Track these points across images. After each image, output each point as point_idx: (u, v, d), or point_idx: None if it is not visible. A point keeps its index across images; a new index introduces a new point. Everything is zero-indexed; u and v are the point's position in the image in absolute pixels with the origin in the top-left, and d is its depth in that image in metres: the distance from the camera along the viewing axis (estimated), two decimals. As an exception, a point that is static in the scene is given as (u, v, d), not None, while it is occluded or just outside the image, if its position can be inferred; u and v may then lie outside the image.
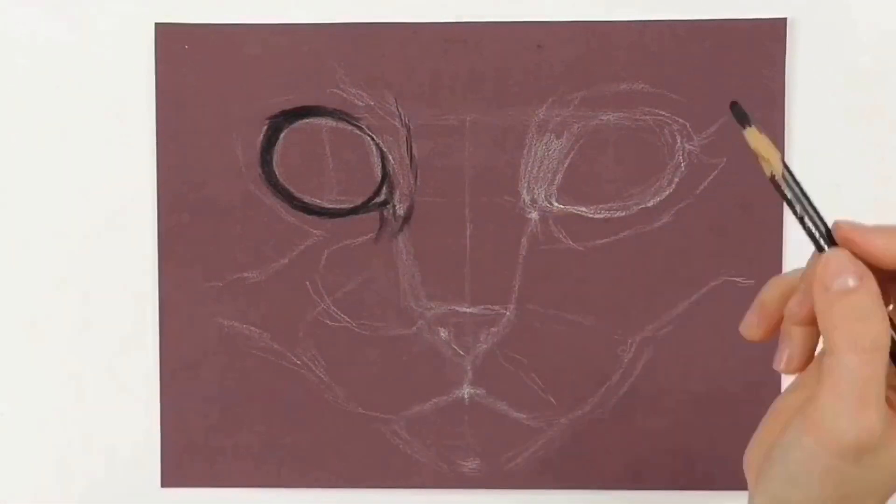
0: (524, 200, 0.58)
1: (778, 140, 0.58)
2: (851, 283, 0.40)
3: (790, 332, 0.43)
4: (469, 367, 0.58)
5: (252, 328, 0.59)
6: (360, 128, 0.58)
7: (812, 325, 0.41)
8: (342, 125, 0.58)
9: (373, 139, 0.58)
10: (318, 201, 0.58)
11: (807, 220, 0.41)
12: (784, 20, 0.57)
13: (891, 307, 0.42)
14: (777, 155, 0.43)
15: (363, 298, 0.58)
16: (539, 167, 0.58)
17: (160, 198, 0.58)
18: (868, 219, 0.59)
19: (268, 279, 0.58)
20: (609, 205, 0.58)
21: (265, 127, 0.58)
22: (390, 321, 0.58)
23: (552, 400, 0.58)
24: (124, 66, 0.58)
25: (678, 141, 0.58)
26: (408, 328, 0.58)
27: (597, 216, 0.58)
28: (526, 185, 0.58)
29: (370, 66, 0.58)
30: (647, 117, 0.58)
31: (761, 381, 0.58)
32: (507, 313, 0.57)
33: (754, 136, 0.44)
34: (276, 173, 0.58)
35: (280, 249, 0.58)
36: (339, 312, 0.58)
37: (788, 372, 0.44)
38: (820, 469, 0.42)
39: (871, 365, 0.39)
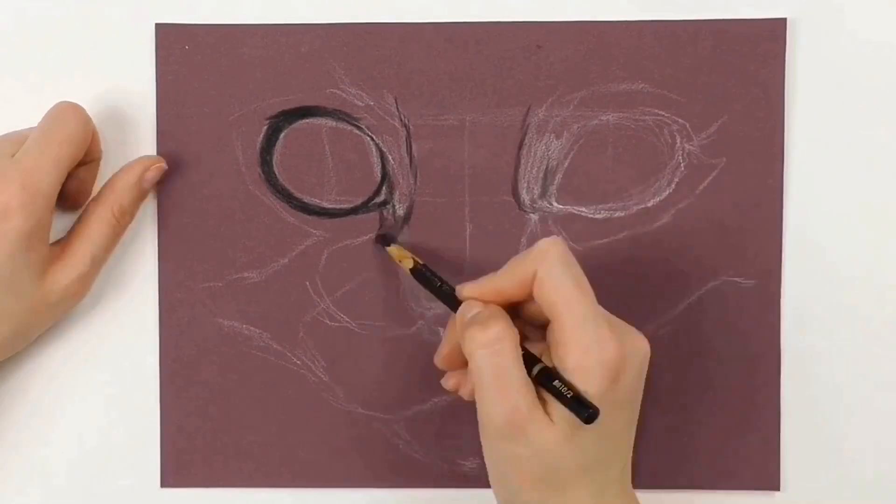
0: (524, 200, 0.58)
1: (778, 140, 0.58)
2: (476, 309, 0.50)
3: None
4: (469, 367, 0.57)
5: (252, 328, 0.59)
6: (359, 128, 0.58)
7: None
8: (342, 125, 0.58)
9: (373, 139, 0.58)
10: (318, 201, 0.58)
11: (444, 295, 0.53)
12: (784, 20, 0.57)
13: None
14: (410, 257, 0.55)
15: (363, 298, 0.58)
16: (539, 167, 0.58)
17: (160, 198, 0.58)
18: (868, 218, 0.59)
19: (268, 279, 0.58)
20: (609, 205, 0.58)
21: (265, 127, 0.58)
22: (390, 321, 0.58)
23: (552, 400, 0.58)
24: (124, 66, 0.58)
25: (678, 141, 0.58)
26: (408, 328, 0.58)
27: (596, 216, 0.58)
28: (526, 185, 0.58)
29: (370, 66, 0.58)
30: (647, 117, 0.58)
31: (761, 381, 0.58)
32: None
33: (393, 251, 0.56)
34: (276, 173, 0.58)
35: (280, 249, 0.58)
36: (339, 312, 0.58)
37: (441, 366, 0.53)
38: (496, 455, 0.50)
39: (498, 355, 0.48)
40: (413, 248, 0.57)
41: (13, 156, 0.53)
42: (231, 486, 0.59)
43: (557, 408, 0.48)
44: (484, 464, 0.57)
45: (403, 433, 0.59)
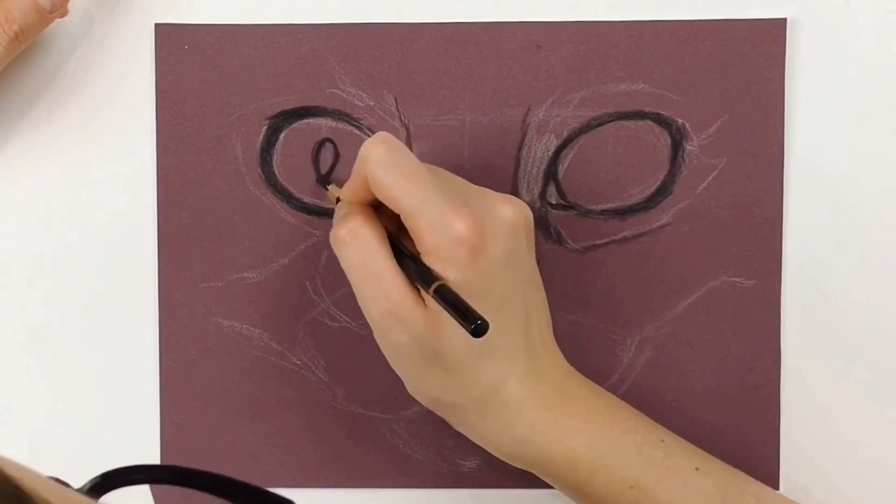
0: (524, 200, 0.58)
1: (777, 140, 0.58)
2: (342, 210, 0.52)
3: None
4: (469, 367, 0.57)
5: (252, 328, 0.59)
6: (359, 128, 0.58)
7: None
8: (342, 125, 0.58)
9: (373, 139, 0.58)
10: (318, 201, 0.58)
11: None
12: (784, 20, 0.57)
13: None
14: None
15: (363, 298, 0.58)
16: (539, 167, 0.58)
17: (160, 198, 0.58)
18: (869, 218, 0.59)
19: (268, 279, 0.58)
20: (609, 205, 0.58)
21: (265, 127, 0.58)
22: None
23: (552, 400, 0.58)
24: (124, 66, 0.58)
25: (678, 141, 0.58)
26: None
27: (596, 216, 0.58)
28: (526, 185, 0.58)
29: (370, 66, 0.58)
30: (647, 117, 0.58)
31: (761, 381, 0.58)
32: (507, 313, 0.57)
33: (333, 191, 0.56)
34: (276, 173, 0.58)
35: (280, 249, 0.58)
36: (339, 312, 0.58)
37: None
38: (383, 345, 0.52)
39: (358, 249, 0.49)
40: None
41: None
42: (231, 486, 0.59)
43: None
44: (484, 464, 0.57)
45: (403, 433, 0.59)
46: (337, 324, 0.59)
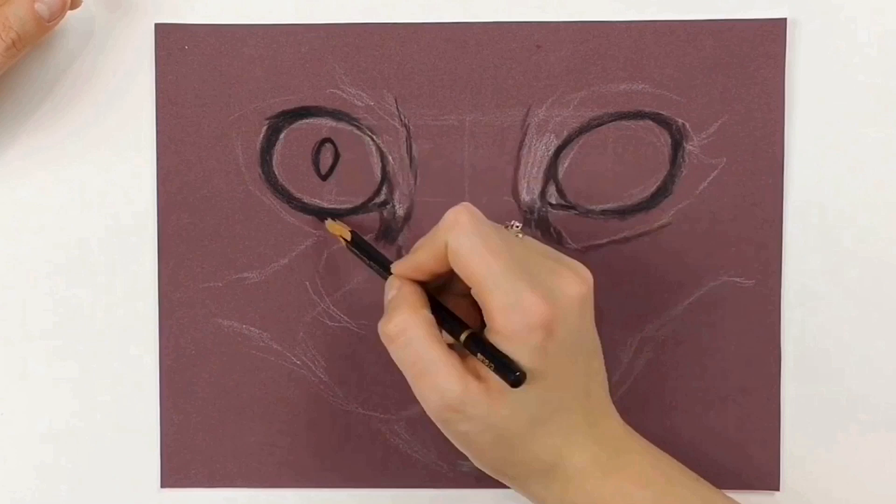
0: (524, 201, 0.58)
1: (778, 140, 0.58)
2: (391, 292, 0.51)
3: None
4: (469, 367, 0.57)
5: (252, 328, 0.59)
6: (360, 128, 0.58)
7: None
8: (342, 125, 0.58)
9: (373, 139, 0.58)
10: (318, 201, 0.58)
11: (374, 266, 0.54)
12: (784, 20, 0.57)
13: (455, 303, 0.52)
14: (347, 230, 0.56)
15: (363, 298, 0.58)
16: (539, 167, 0.58)
17: (160, 198, 0.58)
18: (869, 218, 0.59)
19: (268, 279, 0.58)
20: (609, 205, 0.58)
21: (265, 127, 0.58)
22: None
23: (552, 400, 0.58)
24: (124, 66, 0.58)
25: (678, 141, 0.58)
26: None
27: (596, 217, 0.58)
28: (526, 185, 0.58)
29: (370, 66, 0.58)
30: (647, 117, 0.58)
31: (761, 381, 0.58)
32: (507, 313, 0.57)
33: (331, 226, 0.56)
34: (276, 173, 0.58)
35: (280, 249, 0.58)
36: (339, 312, 0.58)
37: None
38: (448, 434, 0.51)
39: (407, 346, 0.49)
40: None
41: None
42: (231, 486, 0.59)
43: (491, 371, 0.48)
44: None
45: (403, 433, 0.59)
46: (337, 324, 0.59)
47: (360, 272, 0.58)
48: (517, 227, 0.52)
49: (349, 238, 0.55)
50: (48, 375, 0.59)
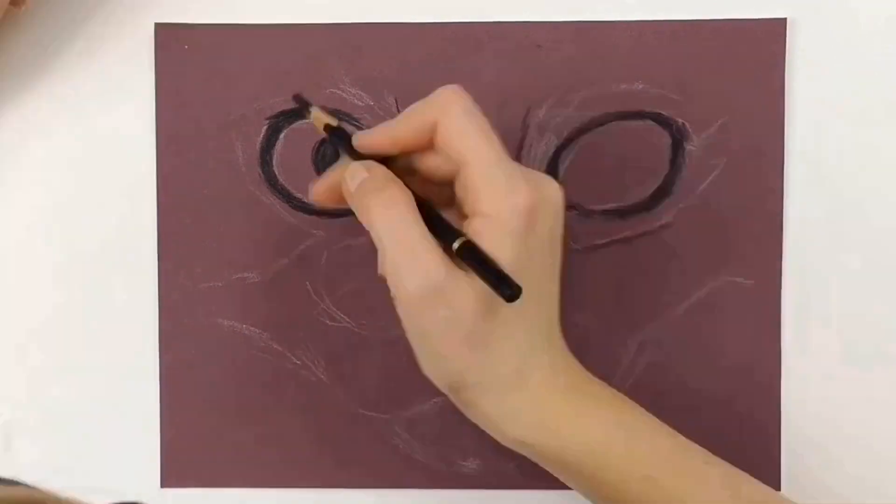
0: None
1: (778, 140, 0.58)
2: (361, 174, 0.49)
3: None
4: (469, 367, 0.57)
5: (252, 328, 0.59)
6: (360, 128, 0.58)
7: None
8: (342, 125, 0.58)
9: (373, 139, 0.58)
10: (318, 201, 0.58)
11: (342, 146, 0.51)
12: (784, 20, 0.57)
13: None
14: (333, 118, 0.53)
15: (363, 298, 0.58)
16: (539, 167, 0.58)
17: (160, 198, 0.58)
18: (869, 218, 0.59)
19: (268, 279, 0.58)
20: (609, 205, 0.58)
21: (265, 127, 0.58)
22: (390, 321, 0.58)
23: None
24: (124, 66, 0.58)
25: (678, 141, 0.58)
26: None
27: (597, 216, 0.58)
28: (526, 185, 0.58)
29: (370, 66, 0.58)
30: (647, 117, 0.58)
31: (761, 381, 0.58)
32: (507, 313, 0.57)
33: (316, 114, 0.53)
34: (276, 173, 0.58)
35: (280, 249, 0.58)
36: (339, 312, 0.58)
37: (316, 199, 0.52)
38: (416, 325, 0.49)
39: (400, 220, 0.47)
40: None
41: None
42: (231, 486, 0.59)
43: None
44: (484, 465, 0.57)
45: (403, 433, 0.59)
46: (337, 324, 0.59)
47: (361, 272, 0.58)
48: None
49: (335, 124, 0.53)
50: (48, 375, 0.59)
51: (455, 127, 0.49)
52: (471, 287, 0.47)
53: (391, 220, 0.48)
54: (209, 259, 0.58)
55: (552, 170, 0.58)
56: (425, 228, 0.47)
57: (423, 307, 0.48)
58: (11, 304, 0.59)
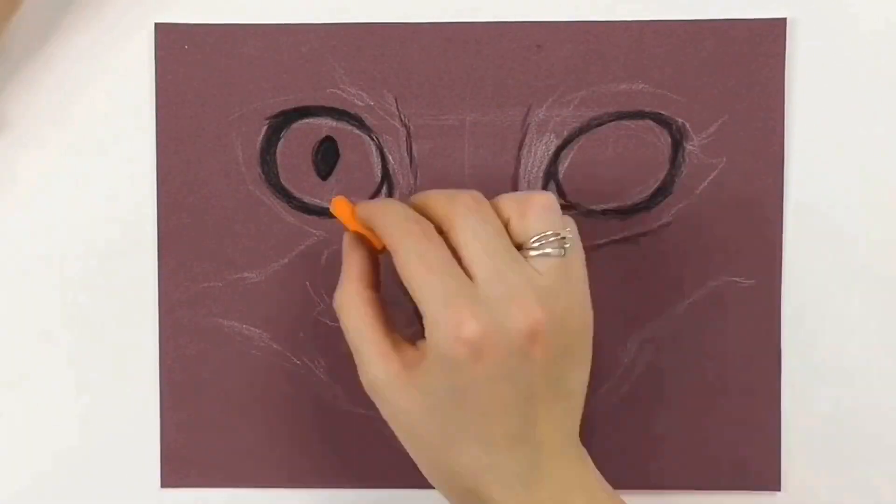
0: (524, 200, 0.58)
1: (778, 140, 0.58)
2: (343, 256, 0.51)
3: None
4: (469, 367, 0.57)
5: (252, 328, 0.59)
6: (359, 128, 0.58)
7: None
8: (342, 125, 0.58)
9: (373, 139, 0.58)
10: (318, 201, 0.58)
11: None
12: (784, 20, 0.57)
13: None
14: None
15: (363, 298, 0.58)
16: (539, 167, 0.58)
17: (160, 198, 0.58)
18: (869, 218, 0.59)
19: (268, 279, 0.58)
20: (609, 205, 0.58)
21: (265, 127, 0.58)
22: (390, 321, 0.58)
23: (552, 400, 0.58)
24: (124, 66, 0.58)
25: (678, 141, 0.58)
26: (408, 328, 0.58)
27: (597, 216, 0.58)
28: (526, 185, 0.58)
29: (370, 66, 0.58)
30: (647, 117, 0.58)
31: (761, 381, 0.58)
32: (507, 313, 0.57)
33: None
34: (276, 173, 0.58)
35: (280, 249, 0.58)
36: (339, 312, 0.58)
37: None
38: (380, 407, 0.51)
39: (343, 323, 0.50)
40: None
41: None
42: (231, 486, 0.59)
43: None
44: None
45: (403, 433, 0.59)
46: (337, 324, 0.58)
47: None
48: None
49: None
50: (47, 375, 0.59)
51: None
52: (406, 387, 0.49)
53: (343, 319, 0.50)
54: (209, 259, 0.58)
55: (552, 170, 0.58)
56: (372, 329, 0.49)
57: (374, 401, 0.51)
58: (11, 303, 0.59)
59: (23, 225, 0.59)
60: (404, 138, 0.58)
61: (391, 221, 0.49)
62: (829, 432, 0.59)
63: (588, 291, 0.50)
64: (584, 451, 0.51)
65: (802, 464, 0.59)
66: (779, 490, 0.58)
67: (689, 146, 0.58)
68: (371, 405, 0.59)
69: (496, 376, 0.47)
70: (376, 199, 0.54)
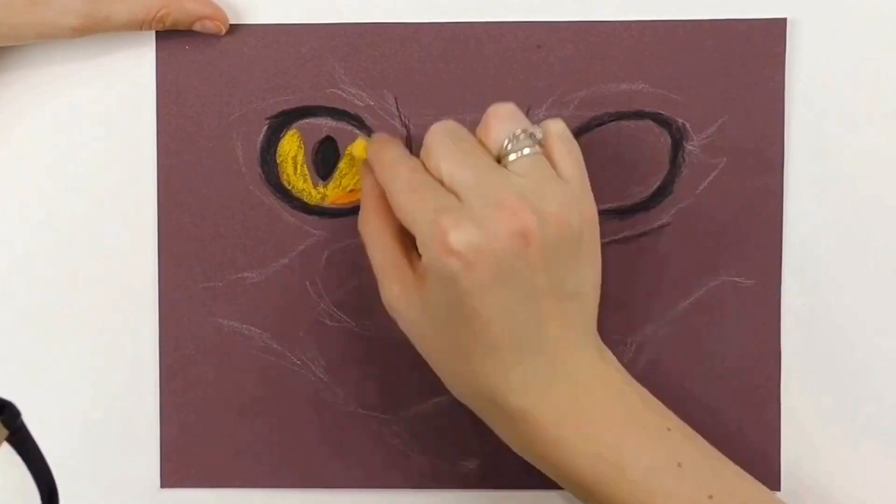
0: (524, 200, 0.58)
1: (777, 140, 0.58)
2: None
3: None
4: (469, 367, 0.57)
5: (252, 328, 0.59)
6: (360, 128, 0.58)
7: None
8: (342, 125, 0.58)
9: (373, 139, 0.58)
10: (318, 201, 0.58)
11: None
12: (784, 20, 0.57)
13: None
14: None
15: (363, 298, 0.58)
16: (539, 167, 0.58)
17: (160, 198, 0.58)
18: (869, 218, 0.59)
19: (268, 279, 0.58)
20: (609, 205, 0.58)
21: (265, 127, 0.58)
22: (391, 321, 0.58)
23: (552, 400, 0.58)
24: (124, 66, 0.58)
25: (678, 141, 0.58)
26: None
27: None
28: (526, 185, 0.58)
29: (370, 66, 0.58)
30: (647, 117, 0.58)
31: (761, 381, 0.58)
32: (507, 313, 0.57)
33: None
34: (277, 173, 0.58)
35: (280, 249, 0.58)
36: (339, 312, 0.58)
37: None
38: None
39: (367, 248, 0.52)
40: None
41: None
42: (231, 486, 0.59)
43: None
44: (484, 465, 0.57)
45: (403, 433, 0.59)
46: (337, 324, 0.59)
47: (360, 272, 0.58)
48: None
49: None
50: (47, 375, 0.59)
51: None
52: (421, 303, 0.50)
53: (367, 245, 0.53)
54: (209, 259, 0.58)
55: (552, 170, 0.58)
56: (392, 251, 0.51)
57: (395, 320, 0.52)
58: (11, 303, 0.59)
59: (23, 224, 0.59)
60: (404, 138, 0.58)
61: (384, 159, 0.52)
62: (830, 432, 0.59)
63: (587, 185, 0.51)
64: (604, 348, 0.52)
65: (802, 464, 0.59)
66: (779, 490, 0.58)
67: (689, 146, 0.58)
68: (371, 405, 0.59)
69: (492, 283, 0.48)
70: (377, 138, 0.55)
